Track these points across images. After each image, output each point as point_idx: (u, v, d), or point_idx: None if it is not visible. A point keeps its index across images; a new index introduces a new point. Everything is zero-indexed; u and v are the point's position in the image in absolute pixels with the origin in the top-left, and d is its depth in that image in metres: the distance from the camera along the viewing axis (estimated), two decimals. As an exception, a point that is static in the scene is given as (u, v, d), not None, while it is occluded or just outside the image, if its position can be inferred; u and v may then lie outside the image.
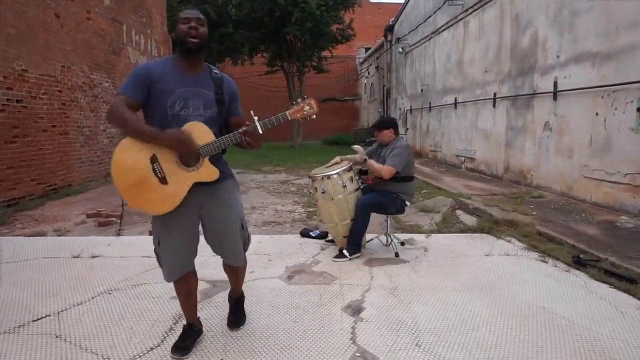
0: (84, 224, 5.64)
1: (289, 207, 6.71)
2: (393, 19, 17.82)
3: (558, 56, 6.84)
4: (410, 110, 15.56)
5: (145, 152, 2.03)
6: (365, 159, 4.01)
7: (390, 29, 18.04)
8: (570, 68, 6.54)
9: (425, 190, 7.77)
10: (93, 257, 4.14)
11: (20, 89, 6.68)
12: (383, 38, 19.29)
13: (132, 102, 2.04)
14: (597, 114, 5.95)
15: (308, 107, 2.16)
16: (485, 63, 9.47)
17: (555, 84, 6.87)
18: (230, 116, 2.28)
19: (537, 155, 7.47)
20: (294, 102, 2.19)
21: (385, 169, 3.88)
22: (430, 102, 13.28)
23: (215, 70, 2.23)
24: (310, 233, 4.82)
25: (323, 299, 3.11)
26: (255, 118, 2.08)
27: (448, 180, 8.94)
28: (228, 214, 2.27)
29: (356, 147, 4.14)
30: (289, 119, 2.15)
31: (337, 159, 4.27)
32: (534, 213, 5.67)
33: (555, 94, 6.90)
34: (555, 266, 3.82)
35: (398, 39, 16.55)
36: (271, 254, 4.21)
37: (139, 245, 4.46)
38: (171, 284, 2.38)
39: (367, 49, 26.66)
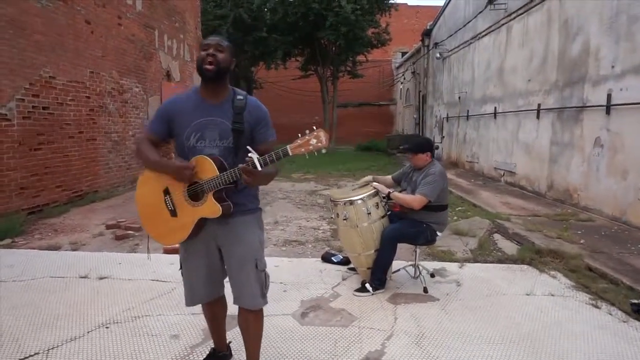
0: (102, 236, 5.49)
1: (314, 222, 6.37)
2: (431, 23, 17.24)
3: (613, 66, 6.21)
4: (447, 118, 14.94)
5: (160, 184, 2.09)
6: (389, 192, 3.62)
7: (427, 33, 17.46)
8: (628, 80, 5.91)
9: (459, 208, 7.27)
10: (101, 278, 3.92)
11: (46, 95, 6.64)
12: (420, 42, 18.71)
13: (152, 136, 2.14)
14: (657, 132, 5.33)
15: (315, 141, 1.84)
16: (529, 72, 8.85)
17: (609, 96, 6.24)
18: (256, 144, 2.05)
19: (585, 174, 6.84)
20: (299, 135, 1.87)
21: (416, 200, 3.47)
22: (468, 111, 12.67)
23: (239, 96, 2.10)
24: (333, 258, 4.46)
25: (338, 348, 2.75)
26: (254, 156, 1.83)
27: (485, 195, 8.38)
28: (240, 251, 2.13)
29: (367, 178, 3.83)
30: (290, 154, 1.86)
31: (370, 178, 3.90)
32: (582, 241, 5.11)
33: (608, 107, 6.27)
34: (610, 314, 3.31)
35: (436, 44, 15.96)
36: (287, 282, 3.88)
37: (150, 266, 4.22)
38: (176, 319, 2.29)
39: (403, 53, 26.05)
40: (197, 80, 13.38)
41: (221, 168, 1.97)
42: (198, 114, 2.05)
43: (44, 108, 6.60)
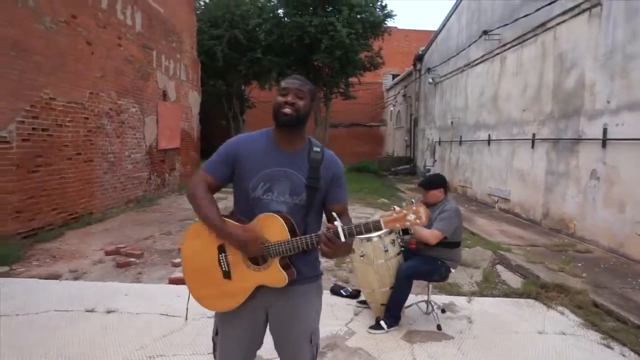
0: (102, 263, 5.37)
1: (315, 250, 6.33)
2: (423, 48, 17.58)
3: (608, 101, 6.40)
4: (439, 142, 15.14)
5: (214, 239, 1.81)
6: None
7: (420, 58, 17.79)
8: (623, 115, 6.09)
9: (458, 236, 7.31)
10: (108, 312, 3.83)
11: (46, 117, 6.55)
12: (412, 67, 19.04)
13: (212, 181, 1.85)
14: (655, 168, 5.48)
15: (413, 217, 1.63)
16: (524, 101, 9.05)
17: (605, 131, 6.41)
18: (328, 204, 1.88)
19: (581, 205, 6.97)
20: (395, 207, 1.77)
21: (433, 235, 3.49)
22: (461, 136, 12.86)
23: (316, 148, 1.86)
24: (342, 291, 4.44)
25: (362, 393, 2.72)
26: (337, 223, 1.65)
27: (481, 222, 8.47)
28: (296, 326, 1.87)
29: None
30: (383, 228, 1.65)
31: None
32: (584, 275, 5.18)
33: (604, 141, 6.43)
34: (624, 355, 3.35)
35: (428, 69, 16.25)
36: (299, 318, 3.83)
37: (158, 298, 4.14)
38: (195, 356, 2.09)
39: (394, 76, 26.44)
40: (192, 99, 13.39)
41: (291, 231, 1.74)
42: (269, 161, 1.81)
43: (43, 130, 6.49)
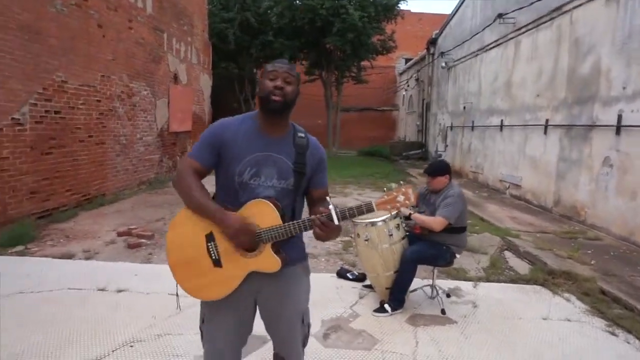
0: (114, 243, 5.49)
1: (323, 234, 6.37)
2: (437, 31, 17.28)
3: (624, 87, 6.27)
4: (451, 127, 15.00)
5: (201, 227, 1.77)
6: (410, 213, 3.64)
7: (433, 42, 17.51)
8: (639, 102, 5.97)
9: (468, 221, 7.26)
10: (119, 291, 3.93)
11: (59, 99, 6.64)
12: (425, 50, 18.78)
13: (200, 167, 1.81)
14: (669, 155, 5.38)
15: (403, 198, 1.70)
16: (538, 87, 8.90)
17: (620, 117, 6.29)
18: (312, 188, 1.90)
19: (593, 192, 6.89)
20: (385, 189, 1.77)
21: (436, 222, 3.50)
22: (473, 121, 12.72)
23: (300, 134, 1.86)
24: (348, 275, 4.48)
25: (363, 373, 2.77)
26: (331, 207, 1.67)
27: (492, 209, 8.42)
28: (288, 308, 1.89)
29: None
30: (375, 210, 1.71)
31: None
32: (593, 262, 5.15)
33: (618, 128, 6.32)
34: (628, 342, 3.34)
35: (442, 53, 16.01)
36: (305, 300, 3.89)
37: (167, 278, 4.21)
38: (197, 338, 2.05)
39: (406, 60, 26.12)
40: (203, 82, 13.40)
41: (282, 216, 1.75)
42: (255, 146, 1.79)
43: (55, 112, 6.59)
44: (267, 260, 1.75)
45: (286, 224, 1.73)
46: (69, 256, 4.91)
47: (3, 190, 5.63)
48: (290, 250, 1.83)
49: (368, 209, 1.69)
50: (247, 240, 1.72)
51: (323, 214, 1.69)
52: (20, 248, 5.08)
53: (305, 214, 1.89)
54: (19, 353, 2.85)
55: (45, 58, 6.30)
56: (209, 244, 1.77)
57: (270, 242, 1.74)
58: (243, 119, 1.88)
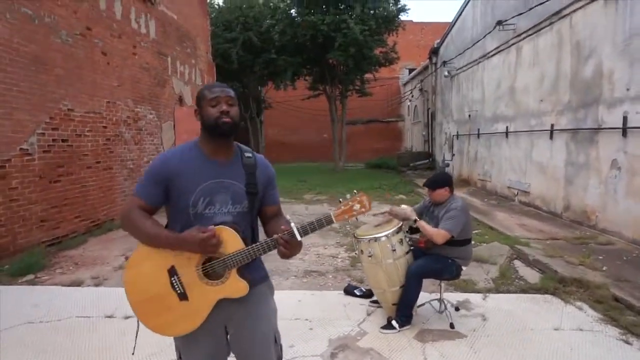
0: (122, 269, 5.51)
1: (332, 249, 6.37)
2: (438, 41, 17.35)
3: (628, 89, 6.21)
4: (457, 135, 14.95)
5: (161, 263, 1.72)
6: (415, 220, 3.62)
7: (435, 51, 17.57)
8: (643, 103, 5.91)
9: (476, 231, 7.21)
10: (126, 317, 3.94)
11: (65, 128, 6.76)
12: (427, 60, 18.84)
13: (146, 205, 1.76)
14: (677, 156, 5.30)
15: (359, 206, 1.76)
16: (541, 92, 8.86)
17: (625, 119, 6.23)
18: (265, 205, 1.92)
19: (603, 196, 6.80)
20: (341, 200, 1.81)
21: (440, 234, 3.47)
22: (479, 129, 12.67)
23: (247, 153, 1.86)
24: (355, 291, 4.45)
25: (371, 394, 2.73)
26: (293, 225, 1.72)
27: (501, 217, 8.34)
28: (260, 329, 1.88)
29: (404, 206, 3.77)
30: (334, 222, 1.76)
31: (387, 212, 3.87)
32: (605, 268, 5.06)
33: (624, 130, 6.25)
34: (643, 351, 3.26)
35: (444, 62, 16.05)
36: (312, 319, 3.87)
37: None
38: None
39: (410, 70, 26.21)
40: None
41: (243, 239, 1.75)
42: (205, 174, 1.76)
43: (63, 140, 6.71)
44: (235, 286, 1.75)
45: (250, 246, 1.74)
46: (78, 283, 4.95)
47: (13, 220, 5.71)
48: (253, 271, 1.84)
49: (327, 221, 1.76)
50: (218, 245, 1.69)
51: (285, 232, 1.71)
52: (30, 277, 5.14)
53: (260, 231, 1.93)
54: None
55: (52, 88, 6.44)
56: (173, 279, 1.73)
57: (235, 267, 1.74)
58: (183, 148, 1.85)
